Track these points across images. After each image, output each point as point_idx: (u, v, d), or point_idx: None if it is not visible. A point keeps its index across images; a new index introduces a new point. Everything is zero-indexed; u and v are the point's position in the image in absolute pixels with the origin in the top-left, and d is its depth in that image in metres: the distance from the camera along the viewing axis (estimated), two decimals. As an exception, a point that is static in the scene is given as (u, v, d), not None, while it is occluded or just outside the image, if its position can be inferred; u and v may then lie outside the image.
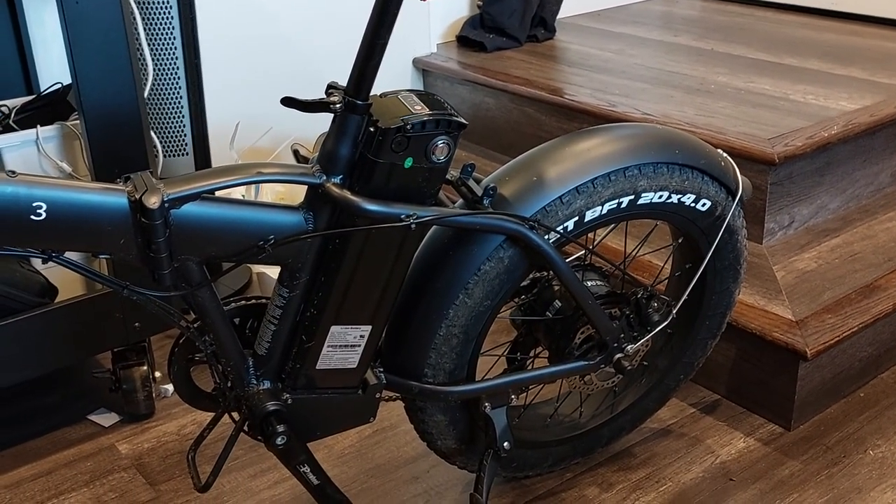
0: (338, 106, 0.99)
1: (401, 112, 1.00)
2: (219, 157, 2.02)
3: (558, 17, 2.63)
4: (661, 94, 2.01)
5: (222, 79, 2.08)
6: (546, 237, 1.12)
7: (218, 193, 0.96)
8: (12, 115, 1.56)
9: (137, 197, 0.90)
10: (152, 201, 0.89)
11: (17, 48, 1.73)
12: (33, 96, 1.64)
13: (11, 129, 1.52)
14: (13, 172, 0.84)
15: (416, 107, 1.01)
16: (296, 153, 2.18)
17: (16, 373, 1.40)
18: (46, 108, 1.58)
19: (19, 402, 1.61)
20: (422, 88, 2.50)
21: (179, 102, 1.79)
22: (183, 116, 1.81)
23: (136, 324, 1.48)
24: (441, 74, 2.43)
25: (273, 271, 1.79)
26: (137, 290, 0.96)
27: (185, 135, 1.83)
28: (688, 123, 1.80)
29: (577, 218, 1.15)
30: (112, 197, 0.89)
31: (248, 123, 2.09)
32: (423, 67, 2.46)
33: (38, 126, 1.47)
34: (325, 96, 1.00)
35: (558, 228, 1.14)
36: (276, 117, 2.17)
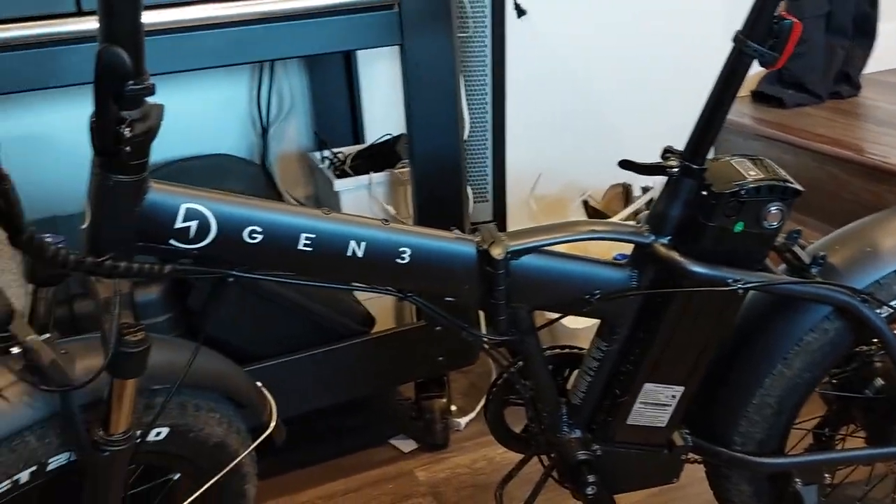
0: (674, 170, 1.01)
1: (735, 177, 1.01)
2: (514, 203, 2.11)
3: (863, 72, 2.50)
4: None
5: (523, 130, 2.18)
6: (878, 311, 1.08)
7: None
8: (347, 161, 1.74)
9: (485, 247, 0.97)
10: (497, 252, 0.96)
11: (349, 102, 1.92)
12: (364, 145, 1.82)
13: (346, 175, 1.69)
14: (386, 220, 0.94)
15: (750, 172, 1.02)
16: (586, 204, 2.24)
17: (335, 393, 1.54)
18: (376, 156, 1.74)
19: (331, 420, 1.76)
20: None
21: (484, 152, 1.91)
22: (486, 164, 1.92)
23: (440, 358, 1.58)
24: (734, 129, 2.38)
25: (568, 321, 1.84)
26: (474, 333, 1.04)
27: (486, 182, 1.94)
28: None
29: (913, 293, 1.09)
30: (463, 246, 0.97)
31: (544, 174, 2.17)
32: (715, 122, 2.43)
33: (371, 172, 1.63)
34: (660, 159, 1.04)
35: (893, 303, 1.08)
36: (571, 170, 2.25)
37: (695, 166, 1.01)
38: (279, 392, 1.08)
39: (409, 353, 1.56)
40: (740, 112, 2.40)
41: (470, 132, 1.87)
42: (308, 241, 0.89)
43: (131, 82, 0.73)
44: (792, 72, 2.42)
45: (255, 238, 0.86)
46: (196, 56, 1.29)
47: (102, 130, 0.75)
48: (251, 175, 1.76)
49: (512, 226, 2.09)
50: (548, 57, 2.17)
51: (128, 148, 0.75)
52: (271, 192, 1.77)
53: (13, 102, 1.62)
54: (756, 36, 0.95)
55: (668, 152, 1.04)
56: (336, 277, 0.95)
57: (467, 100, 1.83)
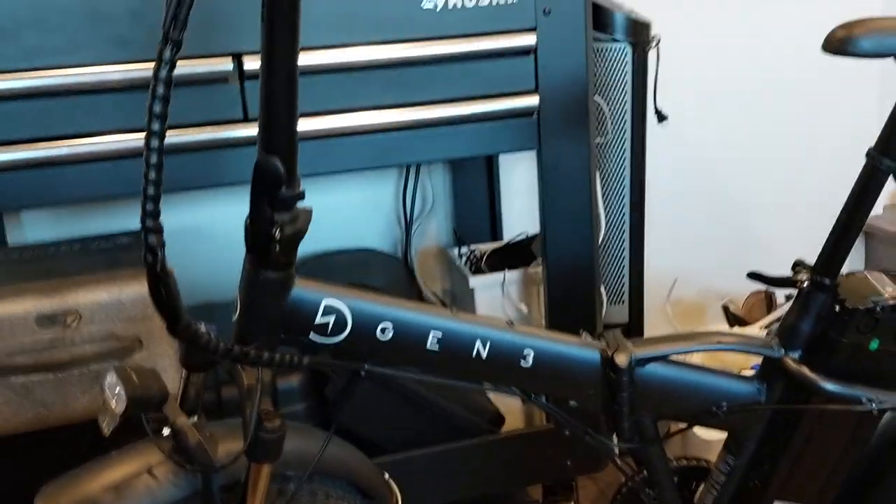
0: (804, 284, 1.00)
1: (871, 292, 0.99)
2: (651, 307, 2.10)
3: None
4: None
5: (662, 234, 2.18)
6: None
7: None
8: (483, 258, 1.79)
9: (610, 354, 0.99)
10: (622, 359, 0.98)
11: (488, 200, 1.99)
12: (500, 243, 1.87)
13: (481, 272, 1.74)
14: (511, 322, 0.98)
15: (887, 288, 1.00)
16: (726, 310, 2.19)
17: (461, 490, 1.55)
18: (511, 255, 1.79)
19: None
20: (863, 252, 2.38)
21: (622, 254, 1.92)
22: (624, 267, 1.92)
23: (568, 462, 1.57)
24: (889, 238, 2.29)
25: (702, 431, 1.80)
26: (599, 438, 1.04)
27: (623, 284, 1.94)
28: None
29: None
30: (588, 351, 0.99)
31: (681, 278, 2.15)
32: (866, 230, 2.35)
33: (506, 270, 1.67)
34: (791, 273, 1.03)
35: None
36: (709, 275, 2.22)
37: (827, 281, 0.99)
38: (406, 485, 1.11)
39: (537, 455, 1.56)
40: (895, 220, 2.32)
41: (607, 234, 1.89)
42: (436, 339, 0.93)
43: (284, 188, 0.80)
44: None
45: (386, 334, 0.92)
46: (347, 159, 1.38)
47: (256, 230, 0.83)
48: (393, 269, 1.84)
49: (649, 329, 2.07)
50: (689, 161, 2.18)
51: (277, 247, 0.82)
52: (411, 285, 1.84)
53: (179, 196, 1.77)
54: (891, 152, 0.94)
55: (798, 265, 1.03)
56: (462, 375, 0.99)
57: (605, 202, 1.86)
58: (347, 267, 1.76)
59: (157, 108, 0.68)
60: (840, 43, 0.90)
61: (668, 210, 2.18)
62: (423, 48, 1.34)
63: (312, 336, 0.90)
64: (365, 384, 0.97)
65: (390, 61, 1.34)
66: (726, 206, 2.23)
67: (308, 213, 0.85)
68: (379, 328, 0.91)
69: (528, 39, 1.38)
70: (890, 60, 0.92)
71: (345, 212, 1.88)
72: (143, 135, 0.69)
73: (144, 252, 0.72)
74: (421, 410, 1.47)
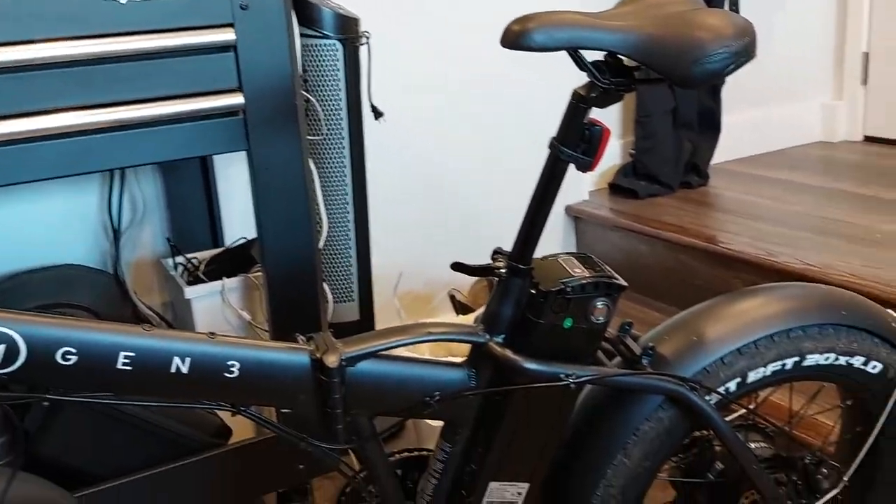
0: (502, 271, 1.04)
1: (561, 275, 1.04)
2: (380, 302, 2.12)
3: (711, 162, 2.65)
4: (823, 243, 1.97)
5: (386, 229, 2.21)
6: (707, 398, 1.12)
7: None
8: (202, 266, 1.71)
9: (319, 355, 0.97)
10: (332, 360, 0.96)
11: (206, 204, 1.91)
12: (220, 249, 1.80)
13: (201, 281, 1.66)
14: (212, 334, 0.93)
15: (575, 269, 1.05)
16: (452, 298, 2.26)
17: (190, 510, 1.48)
18: (232, 261, 1.72)
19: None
20: (574, 235, 2.56)
21: (348, 252, 1.92)
22: (350, 265, 1.92)
23: (300, 466, 1.55)
24: (593, 221, 2.48)
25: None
26: (314, 443, 1.02)
27: (351, 282, 1.94)
28: (852, 274, 1.76)
29: (739, 379, 1.14)
30: (295, 356, 0.97)
31: (408, 271, 2.19)
32: (574, 214, 2.53)
33: (224, 278, 1.61)
34: (490, 261, 1.06)
35: (720, 389, 1.13)
36: (435, 265, 2.28)
37: (522, 266, 1.04)
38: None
39: (268, 463, 1.52)
40: (598, 204, 2.51)
41: (331, 233, 1.88)
42: (127, 360, 0.86)
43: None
44: (645, 164, 2.55)
45: (69, 359, 0.84)
46: (35, 167, 1.26)
47: None
48: (101, 284, 1.71)
49: (380, 324, 2.09)
50: (409, 156, 2.23)
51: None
52: (123, 301, 1.73)
53: None
54: (569, 142, 1.00)
55: (496, 253, 1.07)
56: (164, 394, 0.93)
57: (326, 201, 1.84)
58: (47, 285, 1.61)
59: None
60: (515, 37, 0.93)
61: (391, 205, 2.21)
62: (112, 44, 1.26)
63: (-21, 368, 0.80)
64: (69, 410, 0.88)
65: (76, 58, 1.24)
66: (447, 198, 2.30)
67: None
68: (59, 353, 0.83)
69: (227, 35, 1.33)
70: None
71: (43, 224, 1.72)
72: None
73: None
74: (136, 432, 1.38)
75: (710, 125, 2.64)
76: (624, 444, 1.13)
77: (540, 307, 1.03)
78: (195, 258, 1.75)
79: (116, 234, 1.79)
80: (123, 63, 1.28)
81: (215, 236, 1.91)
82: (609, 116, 2.52)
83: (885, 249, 1.87)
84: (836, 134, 2.92)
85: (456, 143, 2.27)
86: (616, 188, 2.58)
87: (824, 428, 1.54)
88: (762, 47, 2.90)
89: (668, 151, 2.56)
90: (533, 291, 1.04)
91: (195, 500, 1.47)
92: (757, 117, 2.83)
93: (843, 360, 1.18)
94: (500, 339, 1.05)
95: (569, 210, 2.53)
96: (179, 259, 1.74)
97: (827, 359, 1.17)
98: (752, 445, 1.24)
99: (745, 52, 0.93)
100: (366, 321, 1.99)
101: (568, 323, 1.04)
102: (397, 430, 2.03)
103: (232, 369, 0.92)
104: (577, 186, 2.55)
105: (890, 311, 1.25)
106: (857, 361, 1.19)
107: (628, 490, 1.15)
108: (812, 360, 1.16)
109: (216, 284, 1.61)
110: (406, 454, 1.16)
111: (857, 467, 1.24)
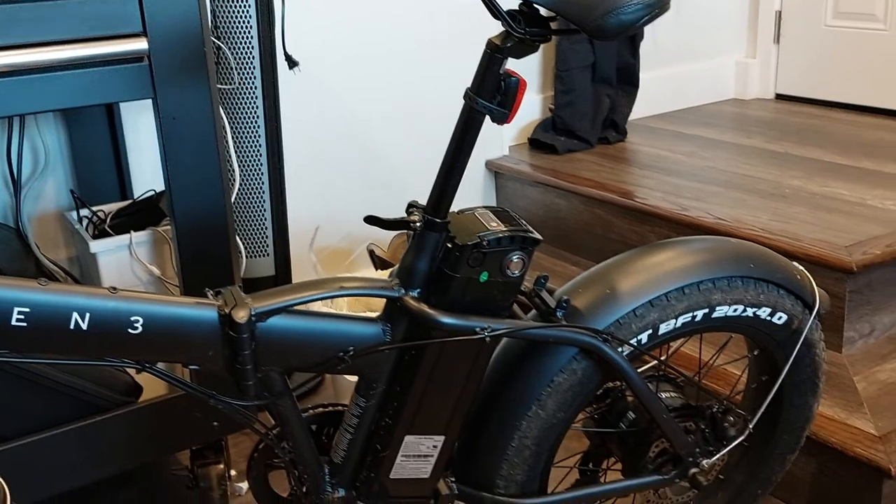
0: (417, 224, 1.03)
1: (477, 229, 1.03)
2: (298, 257, 2.08)
3: (629, 118, 2.67)
4: (734, 198, 2.01)
5: (303, 182, 2.16)
6: (619, 349, 1.13)
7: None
8: (108, 220, 1.65)
9: (227, 311, 0.94)
10: (241, 315, 0.94)
11: (113, 156, 1.84)
12: (128, 202, 1.74)
13: (107, 234, 1.60)
14: (114, 288, 0.89)
15: (491, 223, 1.05)
16: (371, 253, 2.24)
17: (100, 469, 1.44)
18: (140, 214, 1.66)
19: (101, 496, 1.65)
20: (493, 190, 2.56)
21: (263, 206, 1.87)
22: (265, 219, 1.88)
23: (215, 423, 1.52)
24: (513, 176, 2.48)
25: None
26: (223, 400, 1.00)
27: (266, 237, 1.90)
28: (762, 229, 1.80)
29: (650, 331, 1.16)
30: (203, 311, 0.94)
31: (326, 225, 2.16)
32: (494, 170, 2.52)
33: (132, 231, 1.55)
34: (405, 214, 1.05)
35: (632, 341, 1.14)
36: (354, 220, 2.25)
37: (437, 220, 1.02)
38: (29, 473, 0.99)
39: (181, 421, 1.49)
40: (518, 159, 2.51)
41: (245, 185, 1.83)
42: (21, 316, 0.82)
43: None
44: (564, 119, 2.56)
45: (-42, 316, 0.79)
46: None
47: None
48: (2, 239, 1.63)
49: (297, 280, 2.06)
50: (326, 108, 2.18)
51: None
52: (26, 256, 1.65)
53: None
54: (484, 93, 0.98)
55: (411, 206, 1.05)
56: (62, 352, 0.89)
57: (239, 152, 1.79)
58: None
59: None
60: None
61: (308, 158, 2.17)
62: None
63: None
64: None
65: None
66: (366, 151, 2.26)
67: None
68: (-53, 309, 0.79)
69: (129, -24, 1.26)
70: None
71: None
72: None
73: None
74: (40, 390, 1.33)
75: (628, 81, 2.66)
76: (538, 396, 1.14)
77: (456, 261, 1.02)
78: (101, 211, 1.68)
79: (17, 185, 1.70)
80: (20, 4, 1.21)
81: (123, 189, 1.84)
82: (529, 71, 2.52)
83: (793, 204, 1.93)
84: (749, 91, 2.97)
85: (375, 94, 2.23)
86: (535, 143, 2.58)
87: (732, 377, 1.58)
88: (679, 4, 2.92)
89: (586, 107, 2.57)
90: (449, 245, 1.03)
91: (106, 458, 1.43)
92: (673, 74, 2.86)
93: (750, 312, 1.21)
94: (415, 293, 1.04)
95: (489, 165, 2.52)
96: (84, 212, 1.68)
97: (735, 310, 1.20)
98: (663, 395, 1.27)
99: (658, 3, 0.93)
100: (282, 276, 1.95)
101: (484, 277, 1.04)
102: (315, 385, 2.01)
103: (136, 325, 0.89)
104: (498, 141, 2.54)
105: (796, 264, 1.28)
106: (764, 313, 1.22)
107: (543, 441, 1.16)
108: (721, 311, 1.19)
109: (123, 238, 1.55)
110: (321, 409, 1.15)
111: (762, 415, 1.28)
